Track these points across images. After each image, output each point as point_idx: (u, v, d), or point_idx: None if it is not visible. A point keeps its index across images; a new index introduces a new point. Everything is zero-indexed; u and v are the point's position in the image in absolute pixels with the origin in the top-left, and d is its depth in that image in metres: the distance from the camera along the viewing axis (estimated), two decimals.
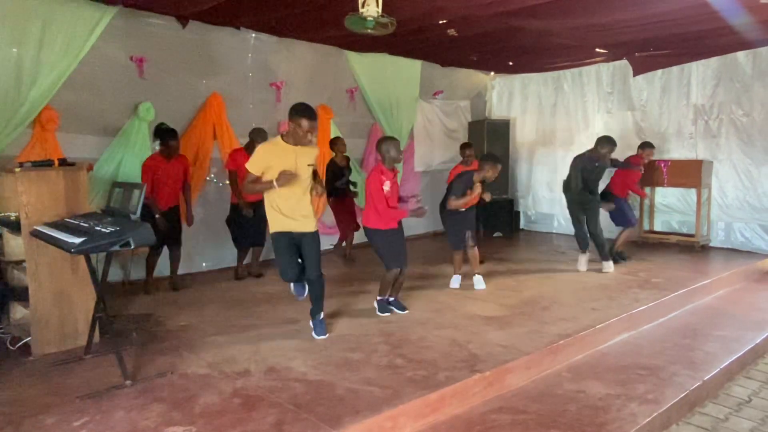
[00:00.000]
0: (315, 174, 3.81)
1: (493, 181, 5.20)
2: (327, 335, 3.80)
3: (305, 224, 3.68)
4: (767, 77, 6.62)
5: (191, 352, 3.51)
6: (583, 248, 5.99)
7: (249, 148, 5.18)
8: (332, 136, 6.76)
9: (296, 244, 3.71)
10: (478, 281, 5.19)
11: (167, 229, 4.87)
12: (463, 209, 5.11)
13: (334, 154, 6.38)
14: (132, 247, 2.83)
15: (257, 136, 5.23)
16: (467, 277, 5.27)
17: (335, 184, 6.24)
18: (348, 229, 6.51)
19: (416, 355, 3.44)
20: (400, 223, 4.37)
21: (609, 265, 5.90)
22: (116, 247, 2.78)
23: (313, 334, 3.79)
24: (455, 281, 5.27)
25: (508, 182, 8.72)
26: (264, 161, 3.57)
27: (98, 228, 2.86)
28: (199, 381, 3.07)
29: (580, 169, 5.88)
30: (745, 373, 3.88)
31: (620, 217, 6.42)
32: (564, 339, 3.73)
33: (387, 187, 4.17)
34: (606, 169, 6.03)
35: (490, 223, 8.33)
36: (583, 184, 5.87)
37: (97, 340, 3.58)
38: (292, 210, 3.63)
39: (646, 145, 6.50)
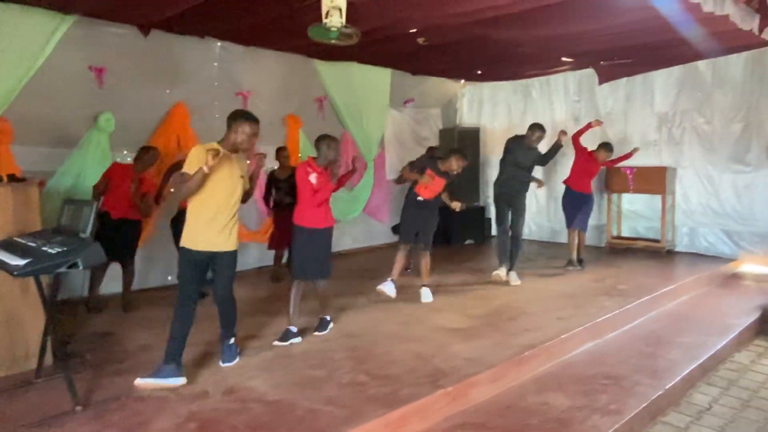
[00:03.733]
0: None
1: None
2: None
3: (226, 242, 3.39)
4: (726, 86, 6.80)
5: (148, 374, 3.39)
6: (502, 260, 5.76)
7: None
8: (301, 145, 6.68)
9: (207, 263, 3.42)
10: (425, 294, 5.06)
11: (121, 239, 4.70)
12: (421, 198, 5.06)
13: (278, 165, 6.04)
14: (80, 267, 2.72)
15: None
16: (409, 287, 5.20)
17: (283, 201, 5.81)
18: (282, 246, 6.07)
19: (380, 371, 3.39)
20: (327, 228, 4.15)
21: (516, 277, 5.68)
22: (63, 269, 2.67)
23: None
24: (389, 287, 4.95)
25: (479, 189, 8.77)
26: (201, 162, 3.17)
27: (45, 249, 2.75)
28: (154, 404, 2.97)
29: (511, 150, 5.67)
30: (706, 379, 3.93)
31: (573, 216, 6.46)
32: (529, 350, 3.73)
33: (313, 179, 4.01)
34: (536, 159, 5.79)
35: (461, 231, 8.36)
36: (514, 170, 5.64)
37: (50, 362, 3.45)
38: (224, 220, 3.35)
39: (602, 147, 6.50)
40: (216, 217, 3.33)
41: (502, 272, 5.70)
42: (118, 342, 4.03)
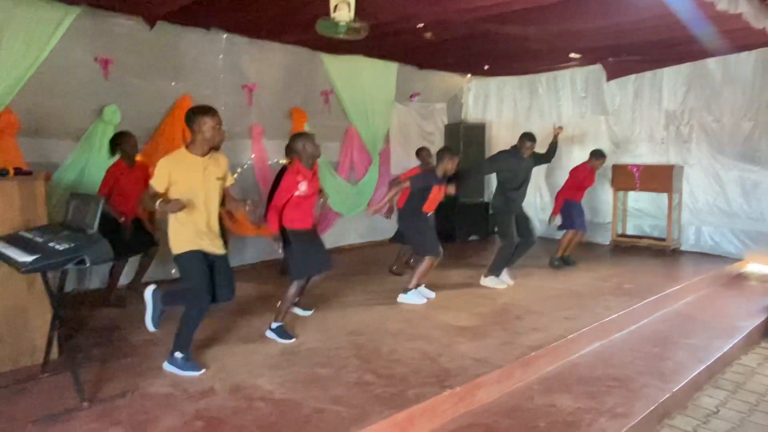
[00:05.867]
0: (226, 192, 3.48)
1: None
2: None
3: (217, 245, 3.39)
4: (736, 84, 6.72)
5: (154, 369, 3.39)
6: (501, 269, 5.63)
7: None
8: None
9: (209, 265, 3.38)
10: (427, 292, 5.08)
11: (133, 235, 4.71)
12: (429, 213, 5.12)
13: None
14: (87, 264, 2.70)
15: None
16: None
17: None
18: None
19: (386, 371, 3.38)
20: (314, 225, 4.20)
21: (491, 281, 5.52)
22: (70, 266, 2.65)
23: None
24: (420, 296, 4.96)
25: (483, 185, 8.72)
26: (167, 176, 3.15)
27: (51, 244, 2.73)
28: (161, 401, 2.96)
29: (507, 166, 5.50)
30: (713, 382, 3.91)
31: (566, 221, 6.45)
32: (535, 351, 3.71)
33: (303, 187, 3.94)
34: (531, 169, 5.69)
35: (465, 227, 8.33)
36: (515, 192, 5.52)
37: (56, 357, 3.44)
38: (208, 227, 3.34)
39: (594, 155, 6.43)
40: (208, 221, 3.32)
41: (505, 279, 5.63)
42: (123, 337, 4.02)
